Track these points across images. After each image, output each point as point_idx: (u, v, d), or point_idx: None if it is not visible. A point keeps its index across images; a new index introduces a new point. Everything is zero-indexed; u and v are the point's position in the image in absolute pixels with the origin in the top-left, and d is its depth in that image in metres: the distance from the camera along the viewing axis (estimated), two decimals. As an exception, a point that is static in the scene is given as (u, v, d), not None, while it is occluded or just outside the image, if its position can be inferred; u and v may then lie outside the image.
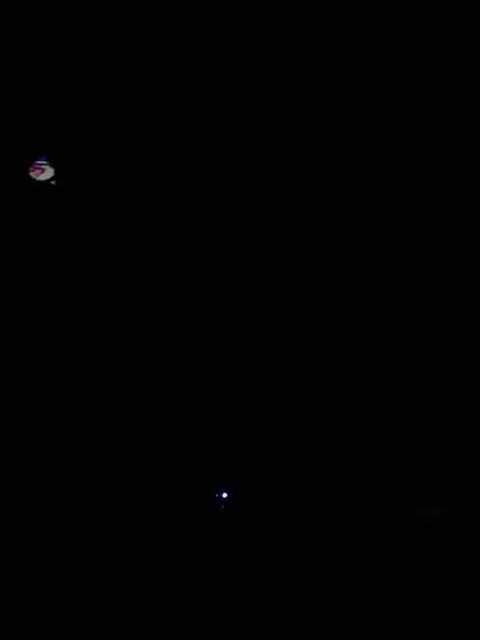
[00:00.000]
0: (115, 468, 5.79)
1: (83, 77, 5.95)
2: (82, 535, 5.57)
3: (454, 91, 5.98)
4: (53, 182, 5.79)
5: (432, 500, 5.83)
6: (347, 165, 6.06)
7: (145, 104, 6.01)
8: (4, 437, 5.73)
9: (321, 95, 6.02)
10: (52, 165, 5.84)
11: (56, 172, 5.92)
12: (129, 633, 5.23)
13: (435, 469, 5.87)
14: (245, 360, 5.98)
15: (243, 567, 5.55)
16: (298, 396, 5.95)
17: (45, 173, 5.90)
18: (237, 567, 5.54)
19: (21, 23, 5.85)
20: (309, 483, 5.83)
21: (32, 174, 5.84)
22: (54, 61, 5.91)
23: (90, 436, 5.83)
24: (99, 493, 5.74)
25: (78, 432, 5.82)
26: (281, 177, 6.06)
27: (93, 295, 5.98)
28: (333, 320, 6.03)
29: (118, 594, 5.37)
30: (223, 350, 5.98)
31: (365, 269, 6.07)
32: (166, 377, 5.95)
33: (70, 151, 5.96)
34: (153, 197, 6.04)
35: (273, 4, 5.87)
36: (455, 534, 5.74)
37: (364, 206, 6.05)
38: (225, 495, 5.82)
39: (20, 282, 5.94)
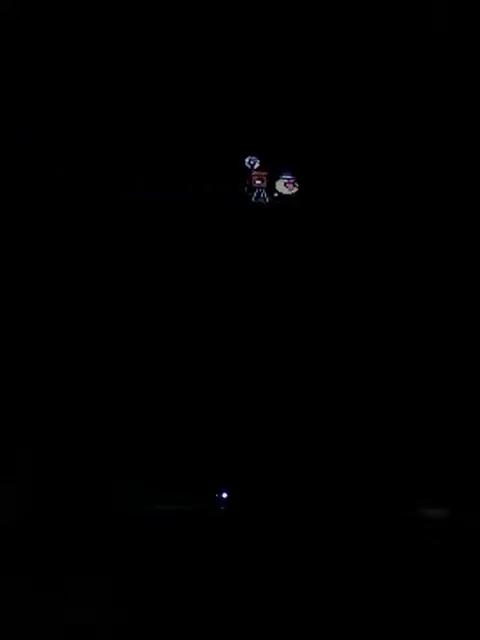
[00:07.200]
0: (115, 468, 5.79)
1: (83, 78, 5.97)
2: (82, 535, 5.57)
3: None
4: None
5: (432, 500, 5.83)
6: (337, 165, 6.08)
7: (145, 104, 6.02)
8: (5, 437, 5.74)
9: (318, 96, 6.05)
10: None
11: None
12: (129, 633, 5.23)
13: (435, 469, 5.87)
14: (245, 360, 5.99)
15: (243, 567, 5.55)
16: (298, 396, 5.96)
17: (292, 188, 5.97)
18: (237, 567, 5.54)
19: (21, 23, 5.86)
20: (309, 484, 5.83)
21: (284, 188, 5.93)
22: (54, 61, 5.93)
23: (90, 435, 5.83)
24: (99, 493, 5.74)
25: (78, 432, 5.82)
26: (281, 176, 6.08)
27: (93, 294, 5.99)
28: (333, 320, 6.04)
29: (118, 594, 5.37)
30: (223, 349, 5.99)
31: (365, 269, 6.09)
32: (166, 376, 5.95)
33: (70, 151, 5.98)
34: (153, 197, 6.05)
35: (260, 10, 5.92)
36: (455, 534, 5.74)
37: (359, 204, 6.07)
38: (225, 495, 5.82)
39: (19, 283, 5.94)
